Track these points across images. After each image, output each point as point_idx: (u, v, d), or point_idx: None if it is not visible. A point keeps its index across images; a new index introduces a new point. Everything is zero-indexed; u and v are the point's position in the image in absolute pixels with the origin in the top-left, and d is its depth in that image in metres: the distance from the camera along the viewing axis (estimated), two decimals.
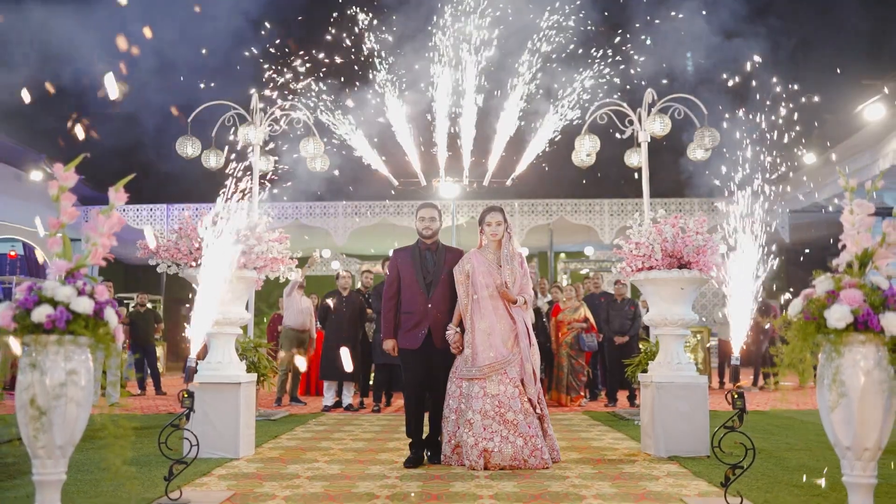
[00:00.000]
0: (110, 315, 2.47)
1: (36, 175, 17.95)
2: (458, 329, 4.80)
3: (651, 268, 5.12)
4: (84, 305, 2.39)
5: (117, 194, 2.76)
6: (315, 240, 17.96)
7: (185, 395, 3.60)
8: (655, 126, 7.60)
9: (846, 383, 2.31)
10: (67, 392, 2.34)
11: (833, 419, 2.37)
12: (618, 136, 8.10)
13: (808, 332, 2.38)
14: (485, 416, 4.54)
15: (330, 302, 8.85)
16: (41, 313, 2.33)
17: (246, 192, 4.91)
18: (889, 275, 2.41)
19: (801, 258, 16.82)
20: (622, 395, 9.33)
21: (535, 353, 4.82)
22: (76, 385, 2.37)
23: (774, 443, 5.54)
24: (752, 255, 3.55)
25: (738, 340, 3.47)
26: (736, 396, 3.43)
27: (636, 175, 7.93)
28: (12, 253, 18.29)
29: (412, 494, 3.80)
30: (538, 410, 4.68)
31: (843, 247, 2.46)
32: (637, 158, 8.17)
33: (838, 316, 2.29)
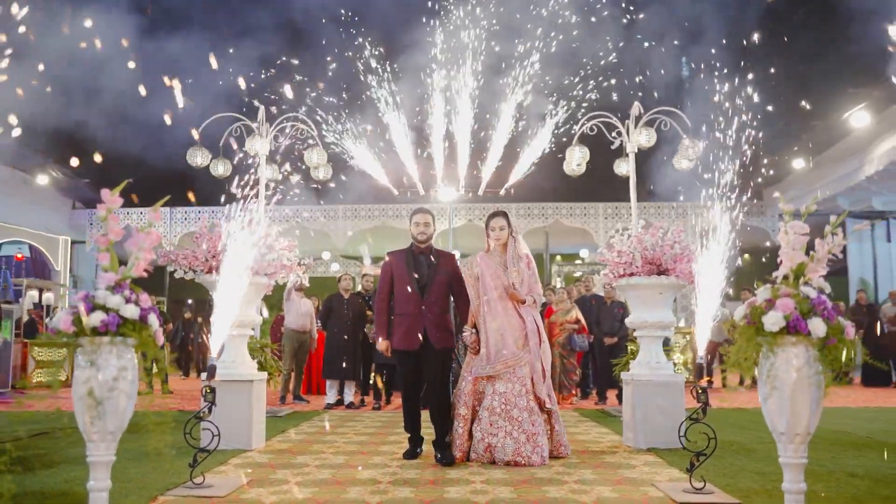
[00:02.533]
0: (153, 320, 2.88)
1: (42, 179, 18.38)
2: (474, 330, 5.03)
3: (632, 274, 5.54)
4: (131, 312, 2.80)
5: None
6: (317, 242, 18.34)
7: (208, 390, 4.00)
8: (641, 138, 8.02)
9: (780, 378, 2.73)
10: (119, 385, 2.75)
11: (770, 408, 2.79)
12: (610, 145, 8.51)
13: (750, 335, 2.80)
14: (492, 413, 4.81)
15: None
16: (96, 318, 2.73)
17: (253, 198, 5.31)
18: (819, 286, 2.82)
19: None
20: (612, 394, 9.75)
21: (546, 351, 5.05)
22: (125, 379, 2.78)
23: (748, 436, 5.96)
24: (718, 256, 3.94)
25: (703, 339, 3.88)
26: (700, 391, 3.85)
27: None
28: (19, 255, 18.70)
29: (411, 480, 4.20)
30: (548, 406, 4.96)
31: (781, 262, 2.88)
32: (626, 167, 8.60)
33: (772, 321, 2.70)
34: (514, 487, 3.99)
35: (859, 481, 4.10)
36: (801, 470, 2.78)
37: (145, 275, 3.01)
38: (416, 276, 5.03)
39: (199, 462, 3.94)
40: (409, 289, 5.00)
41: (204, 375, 4.23)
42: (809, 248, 2.95)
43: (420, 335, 4.94)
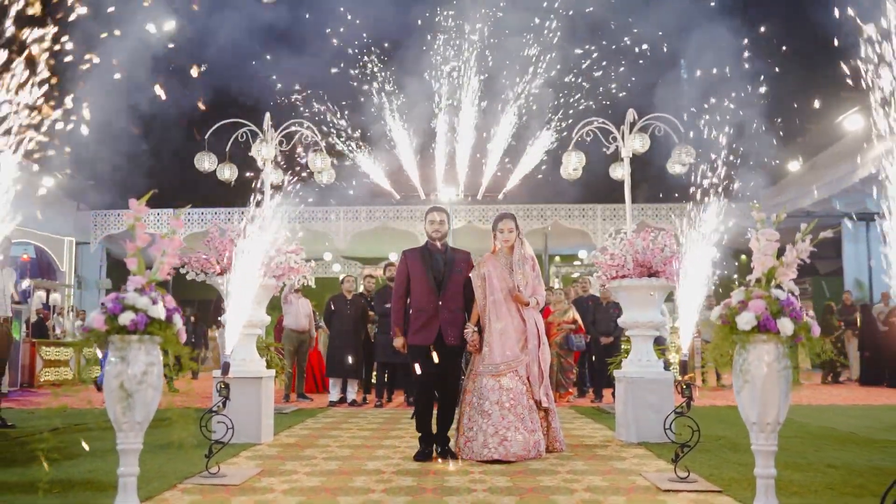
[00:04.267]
0: (177, 320, 3.13)
1: (47, 181, 18.62)
2: (476, 328, 5.17)
3: (624, 276, 5.80)
4: (158, 312, 3.05)
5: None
6: (317, 242, 18.56)
7: (223, 386, 4.25)
8: (636, 143, 8.26)
9: (752, 372, 2.99)
10: (147, 379, 3.00)
11: (743, 400, 3.05)
12: (604, 150, 8.77)
13: (725, 333, 3.06)
14: (501, 407, 4.96)
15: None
16: (126, 318, 2.99)
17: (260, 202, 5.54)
18: (789, 288, 3.08)
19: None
20: (608, 392, 9.98)
21: (545, 353, 5.21)
22: (152, 374, 3.04)
23: (736, 431, 6.20)
24: (703, 256, 4.18)
25: (686, 338, 4.13)
26: (685, 387, 4.11)
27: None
28: (25, 256, 18.95)
29: (413, 471, 4.46)
30: (545, 404, 5.13)
31: (754, 267, 3.14)
32: (621, 171, 8.85)
33: (745, 320, 2.96)
34: (510, 477, 4.24)
35: (835, 472, 4.36)
36: (771, 456, 3.03)
37: (169, 278, 3.26)
38: (432, 273, 5.13)
39: (214, 453, 4.19)
40: (426, 286, 5.09)
41: (216, 374, 4.49)
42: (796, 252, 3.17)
43: (435, 331, 5.04)
